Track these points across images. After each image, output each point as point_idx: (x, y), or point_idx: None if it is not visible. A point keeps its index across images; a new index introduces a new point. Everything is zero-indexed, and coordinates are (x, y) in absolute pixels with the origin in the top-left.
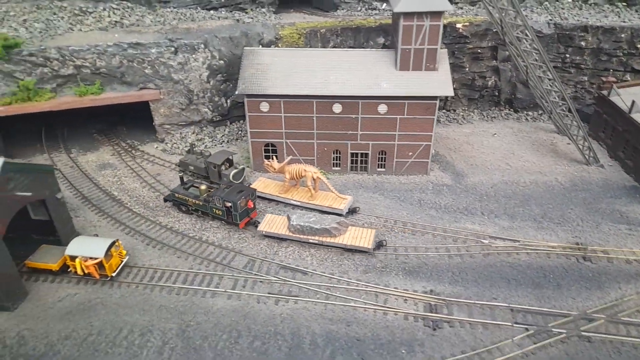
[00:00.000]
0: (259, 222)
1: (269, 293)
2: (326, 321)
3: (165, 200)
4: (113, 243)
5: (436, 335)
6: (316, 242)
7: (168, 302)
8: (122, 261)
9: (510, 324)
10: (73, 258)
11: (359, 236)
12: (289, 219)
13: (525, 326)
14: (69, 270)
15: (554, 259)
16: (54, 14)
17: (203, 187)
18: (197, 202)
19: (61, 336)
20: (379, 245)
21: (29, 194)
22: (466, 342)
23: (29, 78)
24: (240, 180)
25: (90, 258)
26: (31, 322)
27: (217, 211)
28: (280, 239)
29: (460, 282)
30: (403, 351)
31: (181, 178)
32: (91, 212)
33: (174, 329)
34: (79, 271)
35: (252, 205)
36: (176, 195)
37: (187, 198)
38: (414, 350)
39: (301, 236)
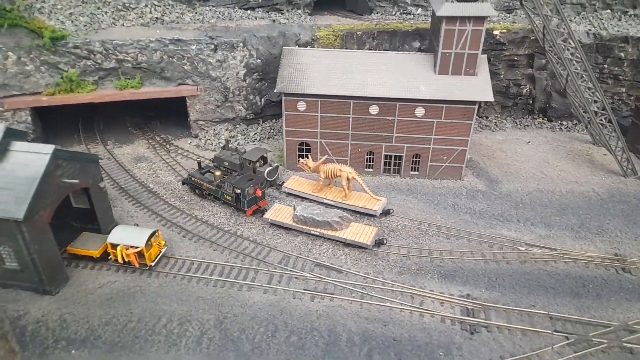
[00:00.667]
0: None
1: (304, 289)
2: (362, 320)
3: (183, 183)
4: (153, 233)
5: (474, 340)
6: (318, 234)
7: (205, 293)
8: (160, 251)
9: (549, 331)
10: (114, 246)
11: (360, 232)
12: (294, 209)
13: (565, 334)
14: (109, 257)
15: (592, 269)
16: (98, 8)
17: (217, 173)
18: (210, 186)
19: (102, 321)
20: (379, 243)
21: (76, 181)
22: (505, 348)
23: (73, 70)
24: (274, 178)
25: (131, 247)
26: (72, 306)
27: (227, 197)
28: (284, 228)
29: (497, 287)
30: (440, 354)
31: (199, 163)
32: (128, 202)
33: (212, 319)
34: (120, 259)
35: (261, 194)
36: (192, 179)
37: (202, 182)
38: (452, 354)
39: (304, 227)
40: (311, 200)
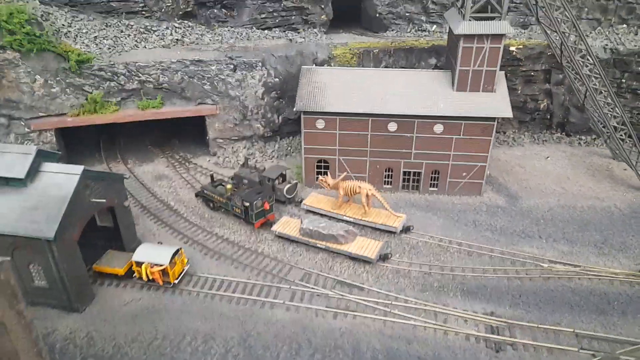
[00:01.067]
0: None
1: (326, 307)
2: (386, 338)
3: (197, 195)
4: (177, 251)
5: (499, 358)
6: (323, 247)
7: (228, 311)
8: (183, 269)
9: (576, 349)
10: (139, 264)
11: (365, 246)
12: (301, 222)
13: (592, 352)
14: (133, 275)
15: (617, 285)
16: (121, 31)
17: (229, 186)
18: (221, 199)
19: (128, 339)
20: (384, 257)
21: (104, 200)
22: None
23: (97, 91)
24: (292, 195)
25: (156, 265)
26: (99, 323)
27: (236, 209)
28: (291, 240)
29: (521, 305)
30: None
31: (211, 176)
32: (150, 220)
33: (236, 337)
34: (144, 277)
35: (269, 207)
36: (205, 191)
37: (213, 195)
38: None
39: (310, 240)
40: (330, 218)
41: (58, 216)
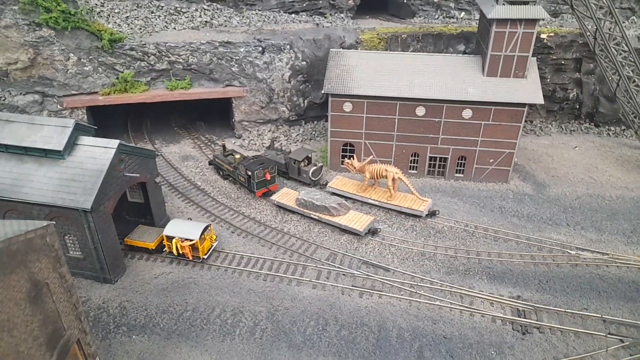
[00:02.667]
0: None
1: (352, 286)
2: (411, 317)
3: (210, 163)
4: (207, 227)
5: (526, 340)
6: (316, 217)
7: (256, 287)
8: (212, 245)
9: (603, 334)
10: (170, 238)
11: (356, 220)
12: (299, 193)
13: (620, 337)
14: (163, 249)
15: None
16: (152, 12)
17: (237, 156)
18: (229, 167)
19: (159, 310)
20: (373, 232)
21: (137, 175)
22: (558, 349)
23: (128, 71)
24: (318, 178)
25: (186, 239)
26: (131, 294)
27: (241, 178)
28: (287, 210)
29: (548, 290)
30: (492, 352)
31: (223, 146)
32: (178, 199)
33: (264, 312)
34: (175, 251)
35: (270, 178)
36: (216, 159)
37: (223, 163)
38: (504, 353)
39: (304, 210)
40: (355, 200)
41: (94, 188)
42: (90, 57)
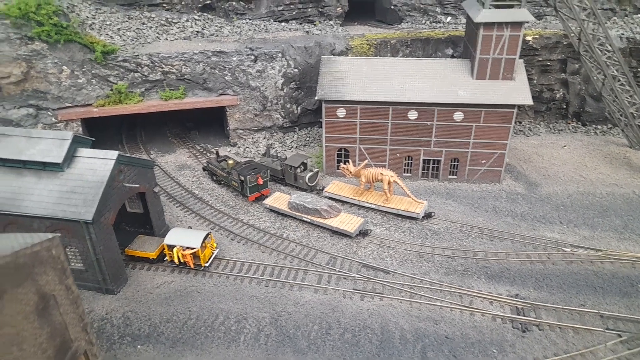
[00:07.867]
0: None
1: (353, 289)
2: (413, 318)
3: (204, 169)
4: (207, 235)
5: (526, 337)
6: (308, 220)
7: (258, 293)
8: (213, 253)
9: (601, 329)
10: (171, 247)
11: (347, 222)
12: (290, 197)
13: (618, 332)
14: (164, 259)
15: (639, 269)
16: (143, 23)
17: (230, 161)
18: (222, 173)
19: (162, 319)
20: (364, 233)
21: (137, 185)
22: (558, 345)
23: (122, 82)
24: (314, 183)
25: (188, 248)
26: (134, 304)
27: (234, 183)
28: (280, 213)
29: (545, 287)
30: (494, 351)
31: (216, 152)
32: (176, 208)
33: (267, 317)
34: (176, 260)
35: (262, 182)
36: (210, 165)
37: (216, 169)
38: (505, 351)
39: (296, 213)
40: (352, 204)
41: (95, 199)
42: (84, 69)
